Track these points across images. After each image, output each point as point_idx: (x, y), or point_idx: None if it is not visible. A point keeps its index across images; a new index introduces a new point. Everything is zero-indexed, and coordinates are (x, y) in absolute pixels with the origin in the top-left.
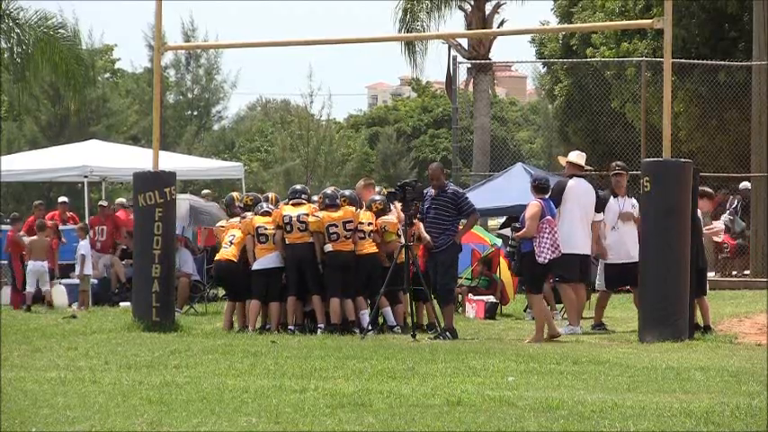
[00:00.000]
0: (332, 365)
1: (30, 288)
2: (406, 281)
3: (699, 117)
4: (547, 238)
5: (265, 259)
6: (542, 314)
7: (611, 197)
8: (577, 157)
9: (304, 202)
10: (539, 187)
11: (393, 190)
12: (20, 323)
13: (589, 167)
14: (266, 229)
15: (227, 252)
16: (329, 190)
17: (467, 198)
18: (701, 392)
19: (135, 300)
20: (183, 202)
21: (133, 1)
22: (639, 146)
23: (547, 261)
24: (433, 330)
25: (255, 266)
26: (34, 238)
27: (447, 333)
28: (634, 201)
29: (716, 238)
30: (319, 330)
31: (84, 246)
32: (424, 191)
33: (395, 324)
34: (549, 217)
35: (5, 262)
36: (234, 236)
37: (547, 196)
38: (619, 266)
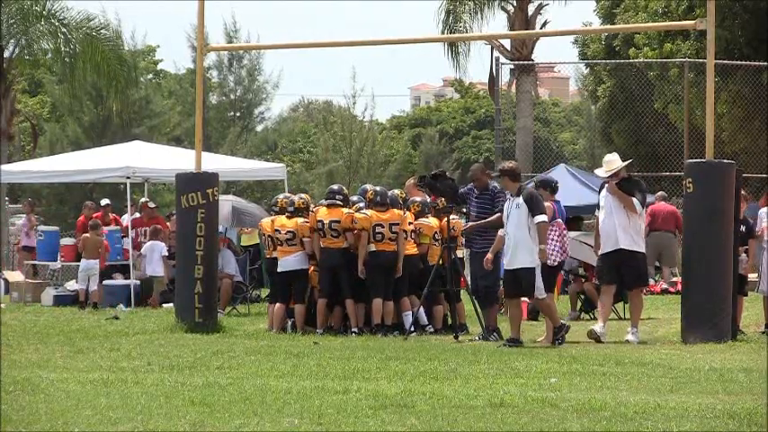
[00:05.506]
0: (374, 367)
1: (81, 286)
2: (449, 282)
3: (742, 118)
4: (556, 241)
5: (285, 261)
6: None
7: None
8: (605, 166)
9: (339, 203)
10: (554, 188)
11: (423, 174)
12: (62, 324)
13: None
14: (279, 233)
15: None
16: (379, 188)
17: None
18: (745, 394)
19: (177, 301)
20: (226, 203)
21: (176, 2)
22: (682, 147)
23: (556, 263)
24: (463, 330)
25: (279, 268)
26: (86, 235)
27: (494, 334)
28: (519, 200)
29: None
30: (353, 334)
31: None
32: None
33: (427, 323)
34: (558, 220)
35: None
36: None
37: (556, 197)
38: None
